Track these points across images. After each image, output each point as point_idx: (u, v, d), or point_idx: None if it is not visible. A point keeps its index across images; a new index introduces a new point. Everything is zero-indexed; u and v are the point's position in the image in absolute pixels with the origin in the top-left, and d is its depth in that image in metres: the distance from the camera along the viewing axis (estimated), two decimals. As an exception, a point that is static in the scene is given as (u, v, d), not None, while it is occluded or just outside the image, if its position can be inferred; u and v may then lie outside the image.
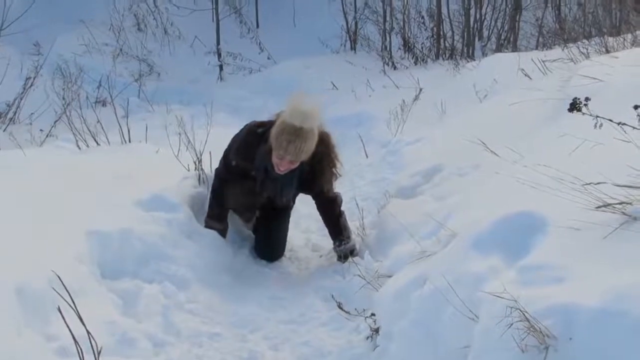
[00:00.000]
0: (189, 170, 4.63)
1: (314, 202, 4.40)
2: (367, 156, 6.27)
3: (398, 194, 4.73)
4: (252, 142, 4.16)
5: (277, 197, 4.28)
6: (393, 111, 6.81)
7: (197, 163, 4.65)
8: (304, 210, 4.79)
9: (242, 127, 4.31)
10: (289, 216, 4.52)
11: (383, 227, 4.35)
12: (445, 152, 4.91)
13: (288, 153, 3.97)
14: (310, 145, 4.01)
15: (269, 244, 4.45)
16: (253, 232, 4.55)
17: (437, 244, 3.26)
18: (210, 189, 4.42)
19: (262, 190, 4.25)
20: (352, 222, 4.50)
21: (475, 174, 4.13)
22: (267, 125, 4.10)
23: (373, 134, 6.78)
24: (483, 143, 3.92)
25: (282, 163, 4.03)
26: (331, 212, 4.36)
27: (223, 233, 4.32)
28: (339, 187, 4.52)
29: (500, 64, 7.11)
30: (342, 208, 4.41)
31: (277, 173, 4.10)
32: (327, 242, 4.49)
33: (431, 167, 4.78)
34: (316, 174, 4.19)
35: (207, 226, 4.28)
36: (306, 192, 4.37)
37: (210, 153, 4.61)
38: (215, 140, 4.64)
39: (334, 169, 4.25)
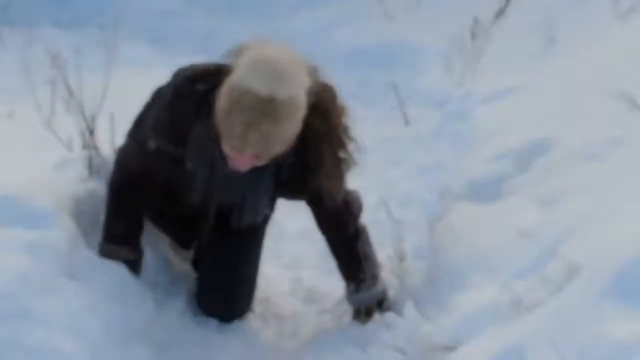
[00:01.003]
0: (70, 150, 4.67)
1: (309, 211, 4.43)
2: (407, 123, 6.29)
3: (467, 193, 4.79)
4: (184, 110, 4.12)
5: (236, 209, 4.32)
6: (456, 40, 6.82)
7: (86, 136, 4.69)
8: (291, 226, 4.79)
9: (170, 76, 4.24)
10: (260, 239, 4.57)
11: (440, 257, 4.39)
12: (556, 116, 4.95)
13: (248, 144, 3.88)
14: (291, 127, 3.95)
15: (223, 289, 4.49)
16: (194, 267, 4.60)
17: (544, 288, 3.29)
18: (108, 185, 4.45)
19: (206, 199, 4.27)
20: (382, 249, 4.53)
21: (616, 155, 4.16)
22: (213, 78, 4.04)
23: (419, 82, 6.80)
24: (629, 97, 3.93)
25: (240, 158, 3.98)
26: (341, 230, 4.42)
27: (135, 266, 4.36)
28: (356, 182, 4.52)
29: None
30: (363, 221, 4.45)
31: (234, 168, 4.08)
32: (335, 285, 4.55)
33: (530, 143, 4.82)
34: (309, 163, 4.19)
35: (105, 254, 4.32)
36: (293, 196, 4.41)
37: (111, 118, 4.64)
38: (122, 96, 4.65)
39: (341, 153, 4.25)
